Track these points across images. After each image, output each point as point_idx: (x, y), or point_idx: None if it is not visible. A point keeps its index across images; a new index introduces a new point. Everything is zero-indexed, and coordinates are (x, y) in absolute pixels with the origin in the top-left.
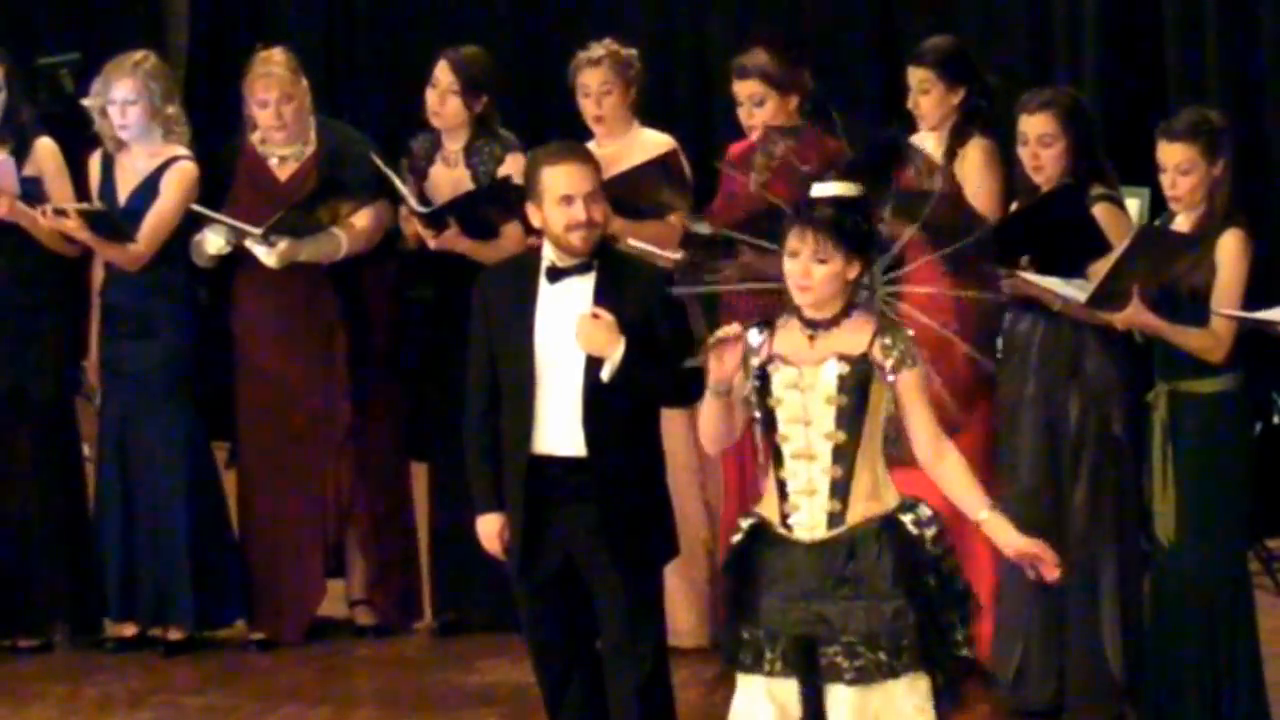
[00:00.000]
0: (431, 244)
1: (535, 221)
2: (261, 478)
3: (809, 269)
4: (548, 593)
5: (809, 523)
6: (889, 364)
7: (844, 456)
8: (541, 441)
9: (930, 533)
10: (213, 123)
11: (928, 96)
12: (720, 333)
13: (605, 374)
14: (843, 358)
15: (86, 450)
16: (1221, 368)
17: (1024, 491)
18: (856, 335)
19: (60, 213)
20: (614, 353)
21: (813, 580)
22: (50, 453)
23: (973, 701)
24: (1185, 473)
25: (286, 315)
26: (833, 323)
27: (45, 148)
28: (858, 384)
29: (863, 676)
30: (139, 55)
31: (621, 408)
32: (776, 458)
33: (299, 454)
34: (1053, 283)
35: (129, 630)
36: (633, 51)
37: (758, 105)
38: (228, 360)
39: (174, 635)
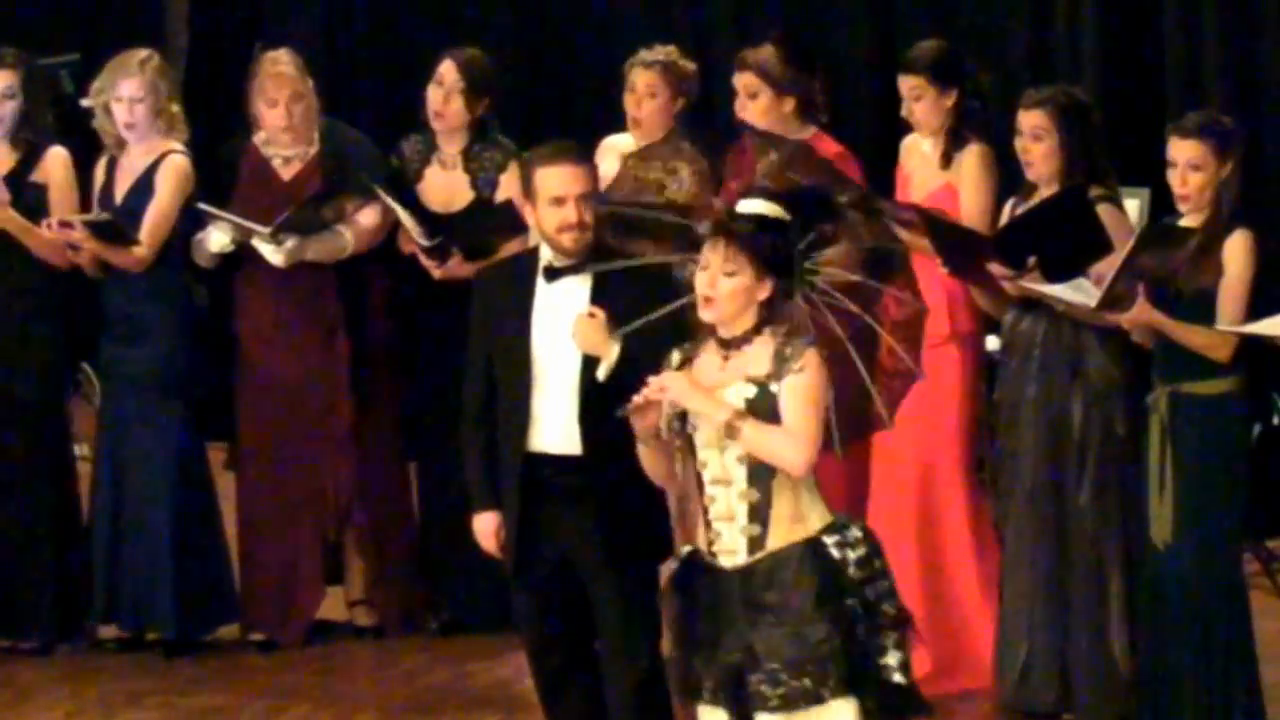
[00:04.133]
0: (436, 274)
1: (529, 221)
2: (262, 479)
3: (715, 280)
4: (544, 591)
5: (730, 548)
6: (778, 374)
7: (760, 480)
8: (537, 440)
9: (855, 555)
10: (212, 123)
11: (920, 103)
12: (639, 398)
13: (601, 373)
14: (750, 379)
15: (86, 451)
16: (1223, 369)
17: (1027, 492)
18: (764, 354)
19: (65, 224)
20: (610, 352)
21: (738, 608)
22: (40, 455)
23: (976, 701)
24: (1183, 474)
25: (289, 316)
26: (743, 341)
27: (56, 157)
28: (767, 405)
29: (787, 703)
30: (144, 53)
31: (618, 408)
32: (699, 484)
33: (300, 455)
34: (1057, 289)
35: (114, 633)
36: (691, 65)
37: (751, 98)
38: (226, 362)
39: (162, 638)
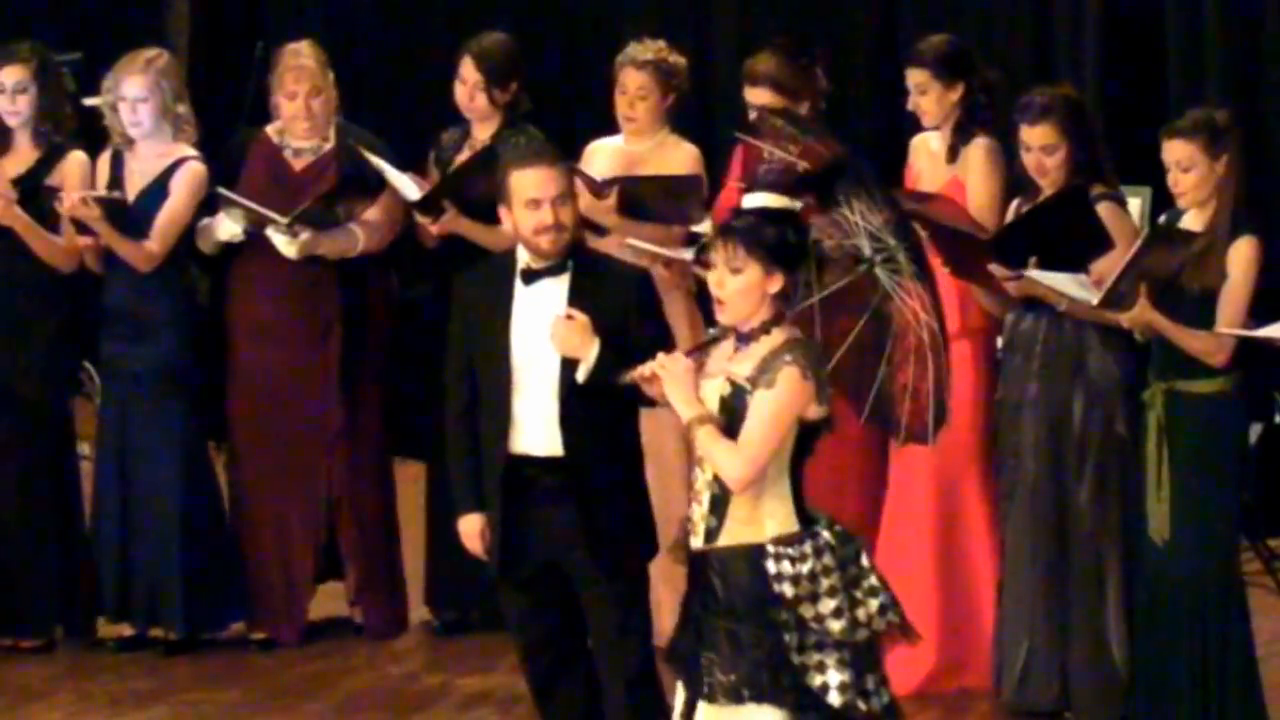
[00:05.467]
0: (433, 229)
1: (506, 224)
2: (254, 477)
3: (723, 280)
4: (532, 591)
5: (697, 529)
6: (755, 382)
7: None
8: (519, 441)
9: (794, 570)
10: (212, 122)
11: (926, 97)
12: (643, 369)
13: (581, 375)
14: (730, 379)
15: (87, 450)
16: (1219, 369)
17: (1027, 490)
18: (760, 355)
19: (80, 201)
20: (589, 354)
21: (695, 589)
22: (40, 453)
23: (976, 701)
24: (1180, 472)
25: (283, 312)
26: (751, 338)
27: (75, 160)
28: (738, 408)
29: (713, 694)
30: (152, 53)
31: (598, 408)
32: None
33: (291, 453)
34: (1061, 282)
35: (126, 630)
36: (680, 60)
37: None
38: (220, 358)
39: (173, 635)
